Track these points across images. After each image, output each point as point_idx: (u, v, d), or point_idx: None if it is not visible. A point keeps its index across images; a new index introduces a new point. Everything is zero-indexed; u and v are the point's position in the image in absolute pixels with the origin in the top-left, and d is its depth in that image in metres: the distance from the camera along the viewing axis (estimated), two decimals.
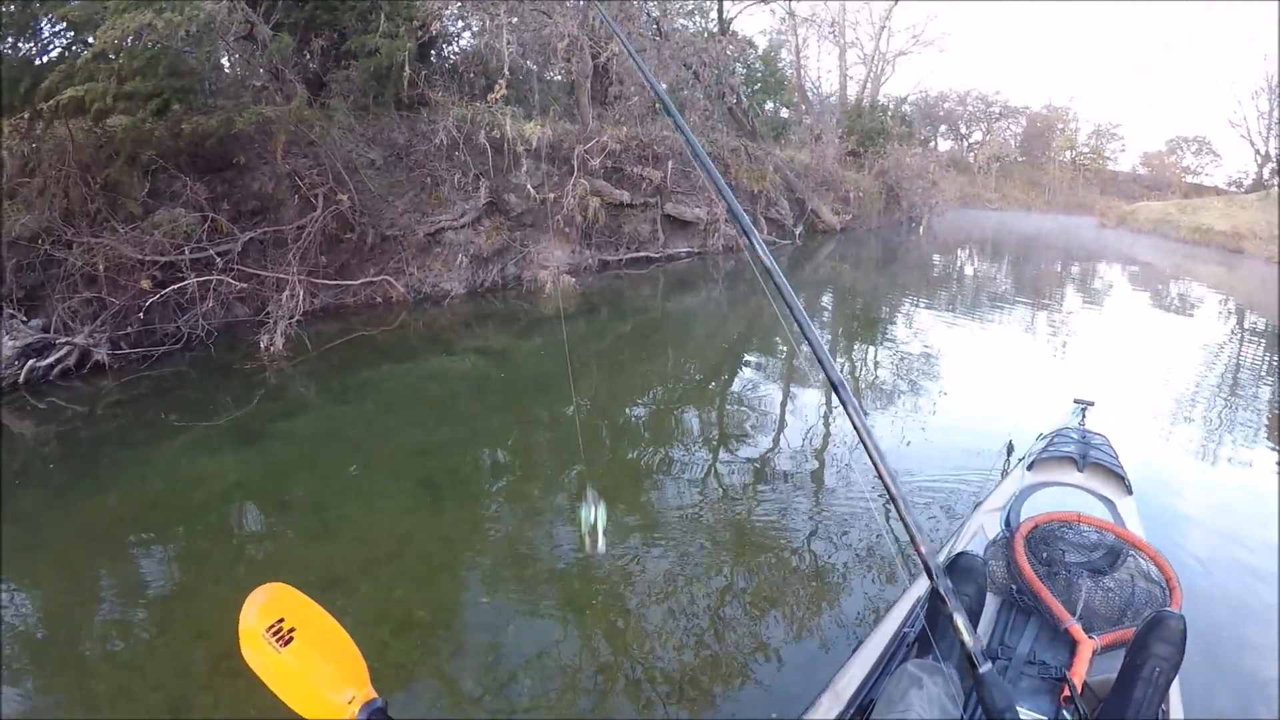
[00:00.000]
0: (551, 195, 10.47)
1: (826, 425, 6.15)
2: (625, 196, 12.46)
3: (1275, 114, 35.44)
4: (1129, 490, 3.37)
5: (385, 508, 4.16)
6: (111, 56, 6.41)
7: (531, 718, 2.79)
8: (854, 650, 2.39)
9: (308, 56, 9.83)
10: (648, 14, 14.72)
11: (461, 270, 9.37)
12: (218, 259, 7.00)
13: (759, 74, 23.35)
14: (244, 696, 2.71)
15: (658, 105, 15.07)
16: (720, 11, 18.73)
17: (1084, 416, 4.36)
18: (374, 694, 1.18)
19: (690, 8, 18.95)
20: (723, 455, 5.37)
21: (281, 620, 1.22)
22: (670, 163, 13.38)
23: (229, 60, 8.63)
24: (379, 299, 8.47)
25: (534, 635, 3.20)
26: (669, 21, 16.13)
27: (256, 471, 4.63)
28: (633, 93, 13.52)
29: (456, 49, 12.46)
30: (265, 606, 1.25)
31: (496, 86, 9.77)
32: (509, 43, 10.23)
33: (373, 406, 5.83)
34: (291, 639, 1.20)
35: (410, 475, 4.62)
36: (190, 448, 4.84)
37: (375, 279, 8.36)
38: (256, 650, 1.21)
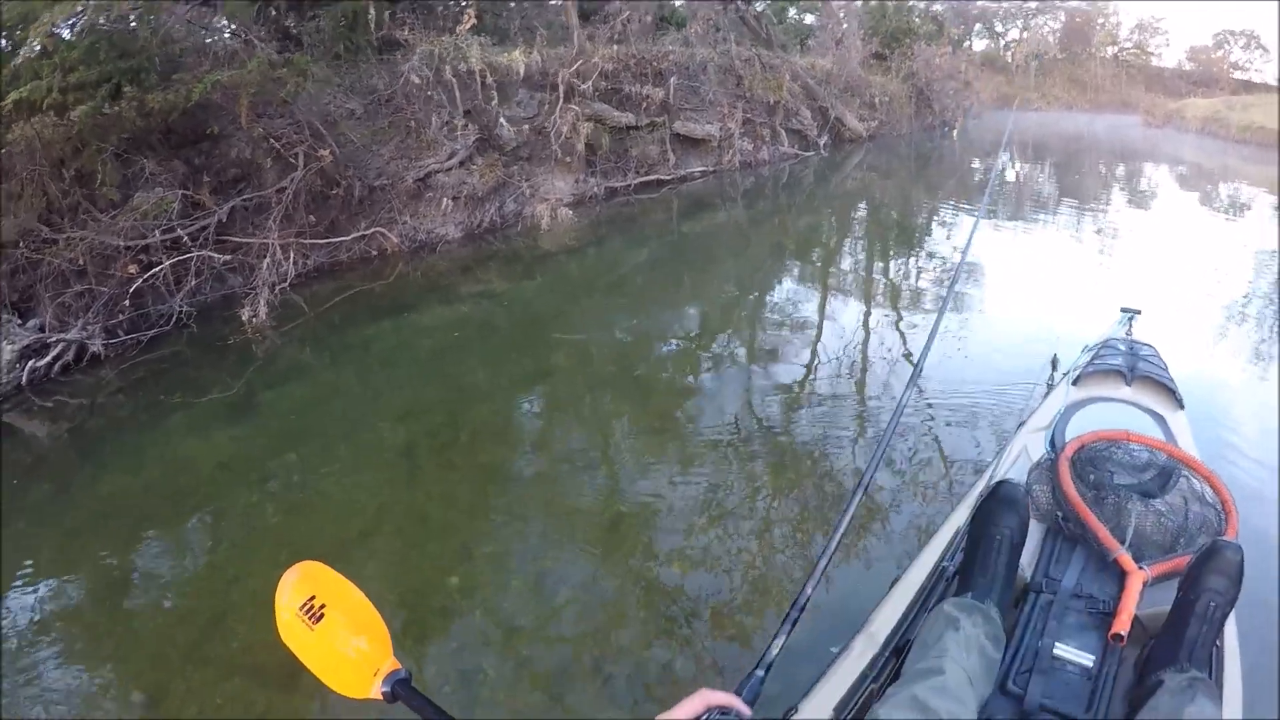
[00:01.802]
0: (545, 126, 10.44)
1: (862, 339, 6.18)
2: (629, 118, 12.34)
3: None
4: (1180, 404, 3.32)
5: (365, 482, 4.25)
6: (50, 52, 6.56)
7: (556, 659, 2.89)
8: (891, 585, 2.37)
9: (275, 13, 9.91)
10: None
11: (456, 213, 9.43)
12: (193, 235, 7.11)
13: None
14: (212, 685, 2.85)
15: (656, 19, 14.97)
16: None
17: (1131, 326, 4.33)
18: (398, 664, 1.24)
19: None
20: (758, 380, 5.46)
21: (313, 597, 1.29)
22: (674, 79, 13.20)
23: (188, 30, 8.69)
24: (374, 252, 8.58)
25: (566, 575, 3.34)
26: None
27: (245, 447, 4.76)
28: (625, 8, 13.33)
29: None
30: (298, 584, 1.31)
31: (465, 17, 9.72)
32: None
33: (367, 366, 5.96)
34: (323, 615, 1.27)
35: (401, 441, 4.70)
36: (185, 427, 5.01)
37: (367, 232, 8.45)
38: (291, 629, 1.28)
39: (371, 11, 9.85)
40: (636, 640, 2.97)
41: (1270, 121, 26.25)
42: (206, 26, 8.88)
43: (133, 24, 7.50)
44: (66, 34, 7.03)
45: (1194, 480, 2.51)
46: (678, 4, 15.96)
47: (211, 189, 7.51)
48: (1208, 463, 2.63)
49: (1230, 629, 2.06)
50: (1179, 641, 1.85)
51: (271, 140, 7.96)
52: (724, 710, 1.06)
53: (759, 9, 18.64)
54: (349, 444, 4.68)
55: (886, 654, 2.01)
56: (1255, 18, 54.70)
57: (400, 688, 1.21)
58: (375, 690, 1.22)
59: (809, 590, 1.69)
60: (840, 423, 4.65)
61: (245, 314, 6.60)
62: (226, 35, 9.23)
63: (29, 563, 3.66)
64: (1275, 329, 6.71)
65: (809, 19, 24.60)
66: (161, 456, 4.68)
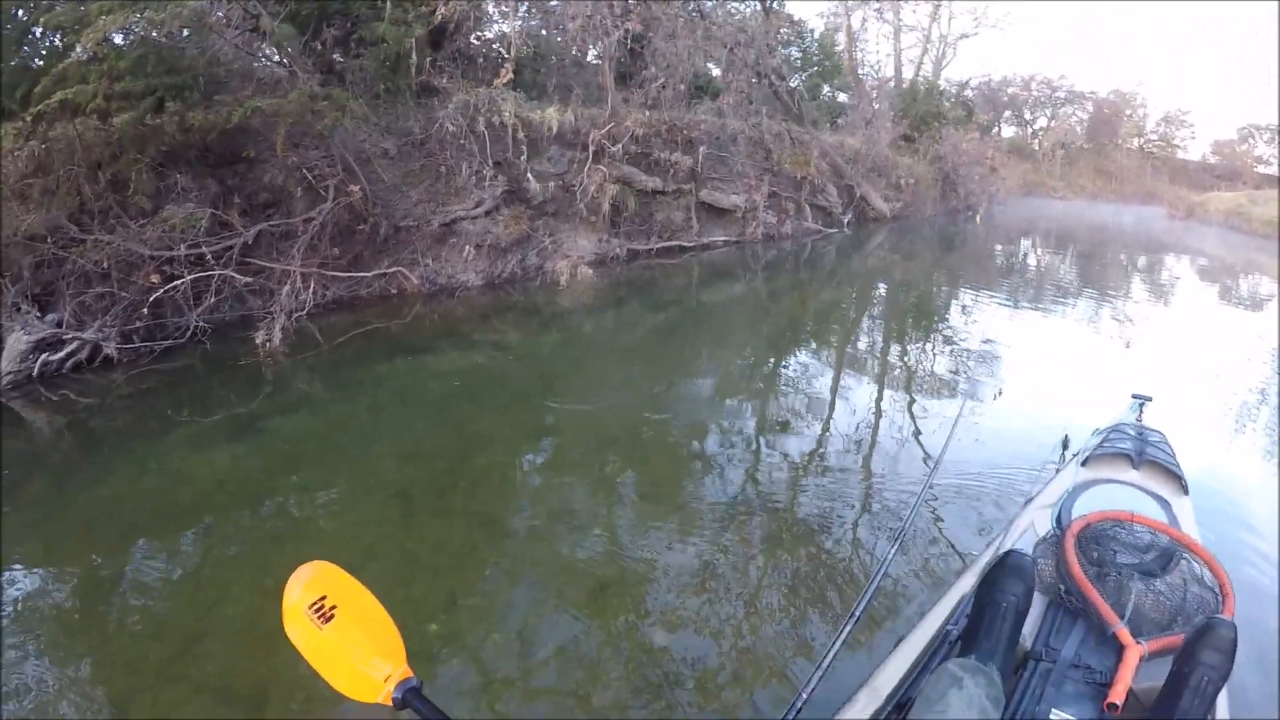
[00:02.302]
0: (573, 184, 10.71)
1: (874, 417, 6.29)
2: (656, 183, 12.66)
3: None
4: (1185, 490, 3.42)
5: (359, 518, 4.30)
6: (100, 58, 6.83)
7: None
8: (894, 646, 2.46)
9: (321, 47, 10.27)
10: None
11: (479, 261, 9.66)
12: (217, 254, 7.30)
13: (815, 58, 23.60)
14: (180, 702, 2.89)
15: (690, 88, 15.37)
16: None
17: (1141, 412, 4.45)
18: (410, 673, 1.27)
19: None
20: (764, 453, 5.52)
21: (324, 598, 1.32)
22: (703, 148, 13.53)
23: (235, 54, 9.01)
24: (393, 290, 8.79)
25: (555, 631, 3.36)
26: (711, 1, 16.34)
27: (244, 469, 4.84)
28: (660, 75, 13.71)
29: (475, 37, 12.80)
30: (309, 584, 1.34)
31: (503, 71, 10.08)
32: (520, 23, 10.47)
33: (375, 403, 6.04)
34: (333, 616, 1.30)
35: (399, 481, 4.75)
36: (188, 441, 5.11)
37: (388, 270, 8.68)
38: (298, 627, 1.30)
39: (414, 56, 10.23)
40: (614, 703, 2.98)
41: None
42: (254, 53, 9.19)
43: (183, 43, 7.80)
44: (119, 39, 7.32)
45: (1194, 563, 2.61)
46: (715, 74, 16.39)
47: (241, 211, 7.75)
48: (1208, 548, 2.72)
49: (1221, 704, 2.14)
50: (1172, 714, 1.94)
51: (304, 170, 8.22)
52: None
53: (793, 84, 19.17)
54: (348, 478, 4.73)
55: (889, 709, 2.10)
56: None
57: (412, 696, 1.24)
58: (384, 695, 1.24)
59: (814, 680, 1.85)
60: (846, 500, 4.71)
61: (260, 337, 6.75)
62: (272, 63, 9.58)
63: (17, 555, 3.75)
64: (1268, 419, 6.92)
65: (842, 97, 25.28)
66: (161, 467, 4.77)
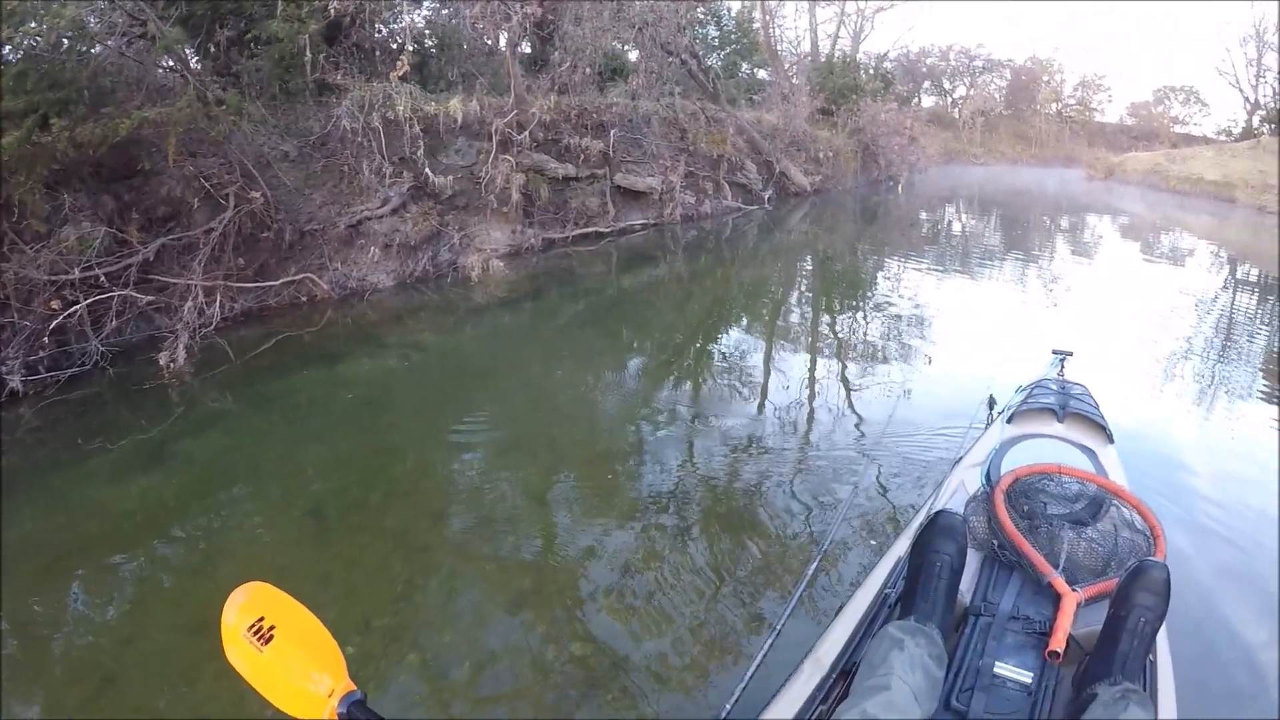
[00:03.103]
0: (482, 175, 10.90)
1: (808, 390, 6.70)
2: (568, 169, 12.90)
3: (1263, 61, 38.68)
4: (1110, 439, 3.65)
5: (272, 539, 4.38)
6: None
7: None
8: (836, 614, 2.57)
9: (215, 49, 10.24)
10: None
11: (388, 261, 9.82)
12: (113, 275, 7.31)
13: (733, 36, 24.10)
14: None
15: (604, 71, 15.58)
16: None
17: (1063, 367, 4.76)
18: (352, 685, 1.32)
19: None
20: (692, 434, 5.76)
21: (262, 619, 1.35)
22: (615, 131, 13.79)
23: (122, 62, 8.96)
24: (303, 298, 8.90)
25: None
26: None
27: (156, 497, 4.81)
28: (568, 59, 13.89)
29: (377, 29, 12.80)
30: (246, 606, 1.37)
31: (399, 64, 10.19)
32: (416, 15, 10.52)
33: (290, 416, 6.16)
34: (272, 637, 1.34)
35: (311, 498, 4.80)
36: (100, 474, 5.08)
37: (296, 278, 8.78)
38: (239, 650, 1.34)
39: (309, 53, 10.28)
40: (557, 701, 3.07)
41: (1208, 173, 29.13)
42: (142, 60, 9.16)
43: (63, 54, 7.73)
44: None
45: (1123, 509, 2.78)
46: (632, 56, 16.63)
47: (140, 226, 7.74)
48: (1136, 492, 2.91)
49: (1162, 644, 2.29)
50: (1112, 656, 2.05)
51: (202, 179, 8.25)
52: None
53: (710, 63, 19.50)
54: (259, 499, 4.84)
55: (834, 677, 2.18)
56: (1195, 74, 59.51)
57: (357, 709, 1.29)
58: (329, 711, 1.29)
59: (765, 647, 2.05)
60: (782, 475, 4.97)
61: (164, 358, 6.77)
62: (164, 69, 9.54)
63: None
64: (1198, 368, 7.76)
65: (762, 74, 25.77)
66: (73, 502, 4.77)
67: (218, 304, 7.61)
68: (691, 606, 3.63)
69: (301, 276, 8.83)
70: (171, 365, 6.75)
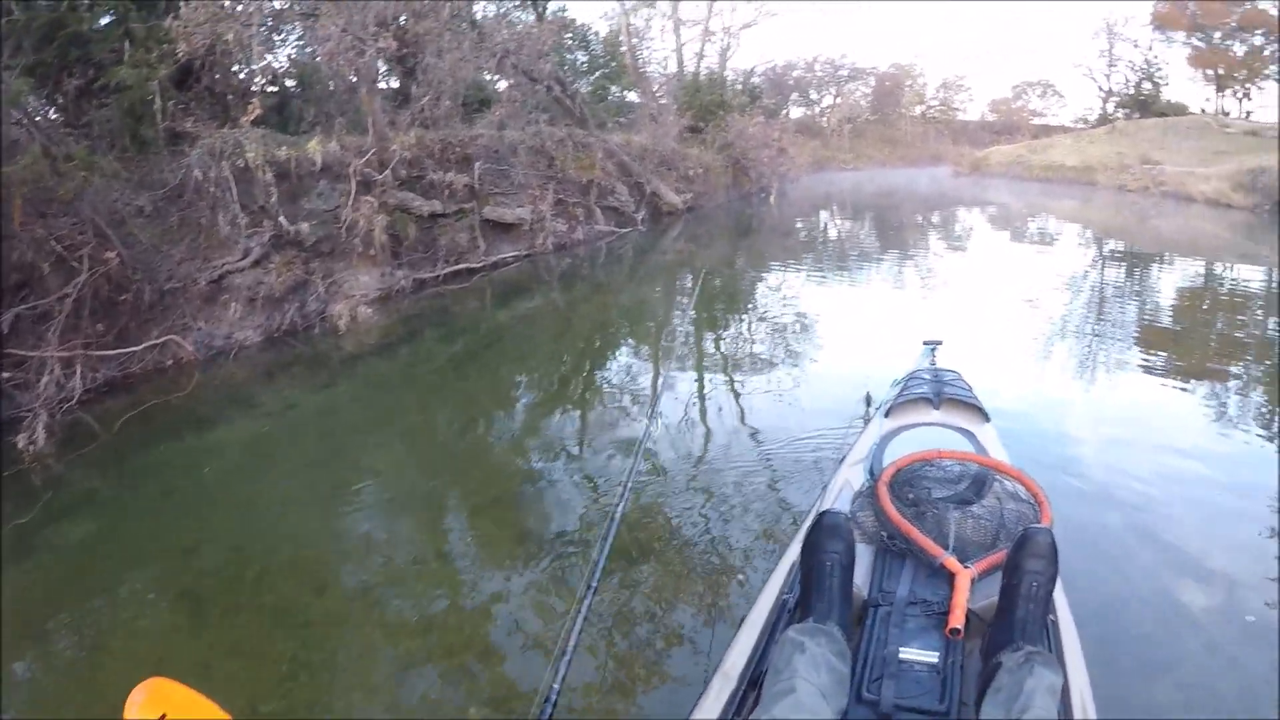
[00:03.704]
0: (343, 218, 10.98)
1: (698, 407, 7.02)
2: (435, 206, 13.08)
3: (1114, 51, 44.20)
4: (986, 418, 3.91)
5: (148, 629, 4.26)
6: None
7: None
8: (739, 626, 2.66)
9: (63, 99, 10.02)
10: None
11: (254, 315, 9.80)
12: None
13: (601, 60, 24.72)
14: None
15: (470, 103, 15.78)
16: None
17: (934, 356, 5.05)
18: None
19: None
20: (588, 460, 6.00)
21: (164, 716, 1.38)
22: (480, 163, 14.03)
23: None
24: (169, 361, 8.78)
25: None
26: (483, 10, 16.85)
27: (21, 594, 4.61)
28: (429, 92, 14.06)
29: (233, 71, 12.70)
30: (145, 704, 1.39)
31: (249, 108, 10.18)
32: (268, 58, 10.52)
33: (163, 490, 6.04)
34: None
35: (185, 580, 4.70)
36: None
37: (159, 340, 8.67)
38: None
39: (158, 99, 10.17)
40: None
41: (1069, 159, 32.54)
42: None
43: None
44: None
45: (1006, 482, 2.92)
46: (500, 87, 16.90)
47: None
48: (1016, 464, 3.09)
49: (1061, 604, 2.44)
50: (1011, 624, 2.16)
51: (54, 241, 8.08)
52: None
53: (578, 88, 19.93)
54: (131, 586, 4.71)
55: (743, 687, 2.23)
56: (1050, 69, 64.87)
57: None
58: None
59: (573, 640, 2.13)
60: (675, 492, 5.17)
61: (22, 440, 6.46)
62: (10, 123, 9.28)
63: None
64: (1075, 343, 8.65)
65: (632, 96, 26.48)
66: None
67: (78, 375, 7.48)
68: (601, 639, 3.72)
69: (165, 339, 8.73)
70: (31, 447, 6.45)
